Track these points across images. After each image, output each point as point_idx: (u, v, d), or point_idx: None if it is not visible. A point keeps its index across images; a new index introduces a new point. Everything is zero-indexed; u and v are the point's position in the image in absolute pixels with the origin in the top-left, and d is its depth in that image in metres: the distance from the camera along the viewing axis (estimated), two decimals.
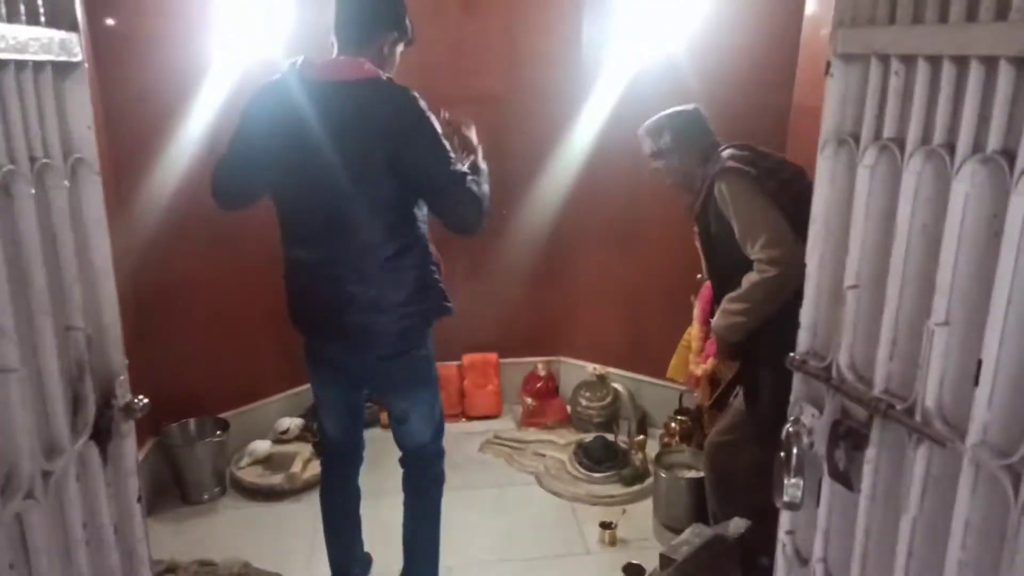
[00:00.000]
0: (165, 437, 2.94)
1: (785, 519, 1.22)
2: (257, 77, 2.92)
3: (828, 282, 1.13)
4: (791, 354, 1.16)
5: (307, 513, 2.85)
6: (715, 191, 2.08)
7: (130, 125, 2.69)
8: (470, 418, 3.62)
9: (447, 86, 3.40)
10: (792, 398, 1.18)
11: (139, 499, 1.08)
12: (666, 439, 3.12)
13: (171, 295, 2.93)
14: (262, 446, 3.16)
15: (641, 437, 3.12)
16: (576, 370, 3.62)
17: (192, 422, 3.05)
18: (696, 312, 2.86)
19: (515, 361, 3.70)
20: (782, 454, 1.13)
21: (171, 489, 2.96)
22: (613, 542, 2.67)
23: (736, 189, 2.02)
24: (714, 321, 2.14)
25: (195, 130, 2.85)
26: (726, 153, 2.14)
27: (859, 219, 1.06)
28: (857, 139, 1.07)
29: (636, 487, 2.97)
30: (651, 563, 2.42)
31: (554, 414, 3.53)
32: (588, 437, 3.26)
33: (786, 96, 2.89)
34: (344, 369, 2.13)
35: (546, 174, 3.47)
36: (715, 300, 2.59)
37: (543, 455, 3.27)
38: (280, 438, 3.26)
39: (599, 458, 3.11)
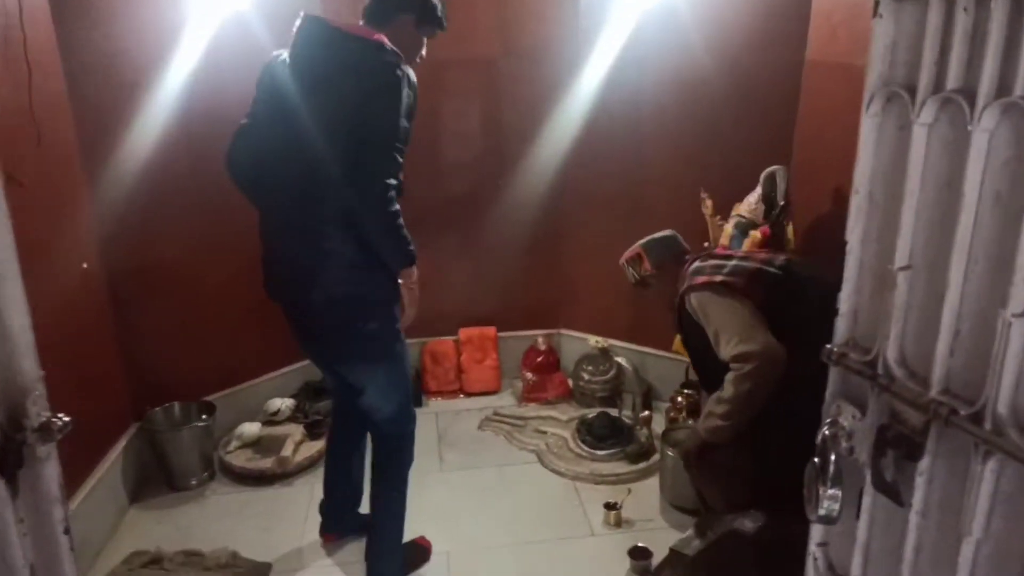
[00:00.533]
0: (147, 422, 2.80)
1: (817, 530, 1.07)
2: (232, 37, 2.75)
3: (872, 262, 0.97)
4: (827, 345, 1.00)
5: (299, 498, 2.75)
6: (687, 306, 2.16)
7: (96, 93, 2.50)
8: (468, 394, 3.49)
9: (436, 49, 3.15)
10: (828, 395, 1.03)
11: (66, 531, 0.92)
12: (672, 414, 2.99)
13: (148, 274, 2.77)
14: (251, 429, 3.02)
15: (646, 413, 2.98)
16: (577, 343, 3.48)
17: (176, 406, 2.91)
18: None
19: (514, 335, 3.56)
20: (816, 460, 0.98)
21: (156, 475, 2.84)
22: (618, 523, 2.56)
23: (704, 299, 2.09)
24: (699, 423, 2.16)
25: (168, 96, 2.67)
26: (692, 268, 2.23)
27: (913, 187, 0.89)
28: (912, 91, 0.89)
29: (642, 465, 2.85)
30: (658, 545, 2.31)
31: (555, 389, 3.40)
32: (591, 413, 3.13)
33: (798, 51, 2.69)
34: (306, 337, 2.18)
35: (543, 139, 3.28)
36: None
37: (544, 432, 3.14)
38: (271, 419, 3.14)
39: (602, 435, 2.98)
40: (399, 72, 1.78)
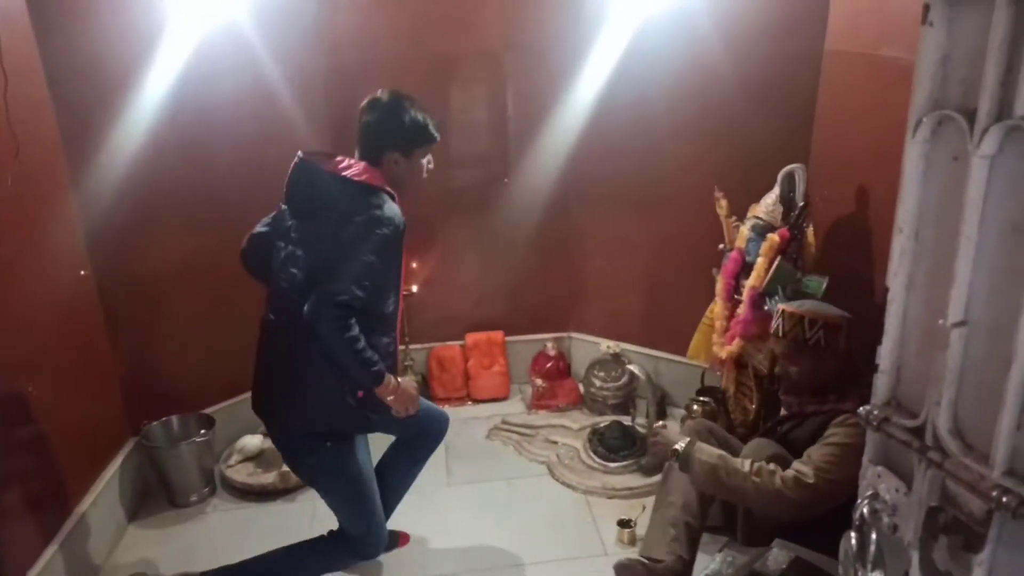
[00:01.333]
0: (145, 437, 2.72)
1: None
2: (217, 41, 2.63)
3: (919, 313, 0.84)
4: (863, 408, 0.87)
5: (301, 514, 2.66)
6: (833, 421, 1.94)
7: (79, 97, 2.39)
8: (476, 401, 3.38)
9: (438, 42, 3.06)
10: (865, 460, 0.90)
11: None
12: (689, 423, 2.85)
13: (143, 284, 2.68)
14: (252, 442, 2.93)
15: (661, 423, 2.84)
16: (589, 347, 3.35)
17: (175, 419, 2.82)
18: (719, 287, 2.57)
19: (522, 339, 3.44)
20: (853, 535, 0.86)
21: (156, 491, 2.76)
22: (633, 542, 2.45)
23: (851, 433, 1.87)
24: (698, 453, 2.04)
25: (153, 100, 2.55)
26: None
27: (971, 230, 0.76)
28: (970, 116, 0.75)
29: (657, 477, 2.71)
30: None
31: (566, 396, 3.28)
32: (603, 421, 3.01)
33: (817, 41, 2.53)
34: None
35: (550, 135, 3.14)
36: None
37: (555, 442, 3.03)
38: None
39: (615, 445, 2.86)
40: (377, 212, 1.85)
